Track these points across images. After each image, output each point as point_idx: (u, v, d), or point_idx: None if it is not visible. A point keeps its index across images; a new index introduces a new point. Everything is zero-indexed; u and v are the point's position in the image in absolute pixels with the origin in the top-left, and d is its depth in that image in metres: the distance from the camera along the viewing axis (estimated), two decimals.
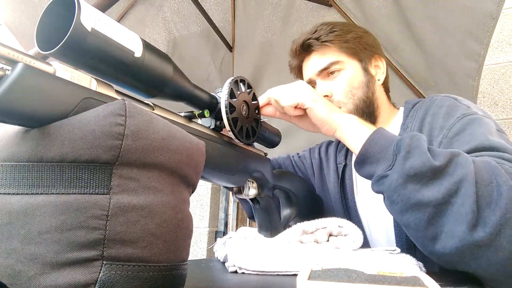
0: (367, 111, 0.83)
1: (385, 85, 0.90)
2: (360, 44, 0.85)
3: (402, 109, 0.87)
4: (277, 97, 0.74)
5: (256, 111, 0.64)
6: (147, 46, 0.41)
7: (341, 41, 0.83)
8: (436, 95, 0.79)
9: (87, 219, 0.29)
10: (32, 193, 0.30)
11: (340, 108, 0.80)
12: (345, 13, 1.50)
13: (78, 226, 0.29)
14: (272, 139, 0.74)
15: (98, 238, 0.29)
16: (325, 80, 0.85)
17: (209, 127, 0.57)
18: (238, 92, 0.58)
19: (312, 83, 0.87)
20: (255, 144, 0.70)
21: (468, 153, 0.56)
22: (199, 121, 0.56)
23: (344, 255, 0.56)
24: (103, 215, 0.30)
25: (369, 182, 0.72)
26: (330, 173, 0.93)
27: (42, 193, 0.30)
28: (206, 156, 0.42)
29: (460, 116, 0.67)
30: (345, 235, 0.64)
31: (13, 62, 0.29)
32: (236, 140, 0.59)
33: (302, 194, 0.86)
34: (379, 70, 0.88)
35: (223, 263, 0.64)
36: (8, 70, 0.29)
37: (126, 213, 0.31)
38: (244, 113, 0.60)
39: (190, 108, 0.55)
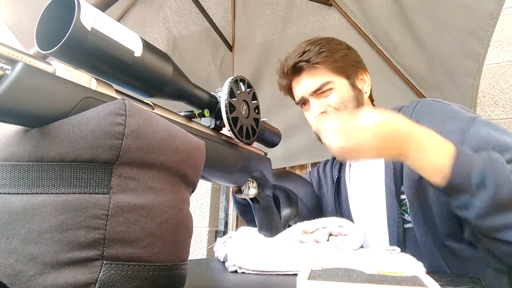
0: None
1: (371, 96, 0.96)
2: (347, 62, 0.90)
3: None
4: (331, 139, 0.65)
5: (256, 111, 0.64)
6: (147, 45, 0.41)
7: (330, 62, 0.88)
8: (422, 99, 0.84)
9: (87, 219, 0.29)
10: (32, 193, 0.30)
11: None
12: (345, 13, 1.50)
13: (78, 226, 0.29)
14: (272, 139, 0.74)
15: (98, 238, 0.29)
16: (319, 99, 0.89)
17: (209, 126, 0.57)
18: (238, 92, 0.58)
19: (304, 100, 0.92)
20: (255, 143, 0.69)
21: (509, 162, 0.59)
22: (199, 120, 0.56)
23: (344, 254, 0.56)
24: (103, 215, 0.30)
25: (361, 192, 0.80)
26: (328, 186, 1.00)
27: (42, 193, 0.29)
28: (206, 156, 0.42)
29: (468, 119, 0.70)
30: (345, 235, 0.64)
31: (13, 62, 0.29)
32: (236, 140, 0.59)
33: (302, 194, 0.86)
34: (364, 83, 0.93)
35: (223, 262, 0.64)
36: (8, 69, 0.28)
37: (126, 213, 0.31)
38: (244, 112, 0.60)
39: (190, 108, 0.55)
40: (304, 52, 0.89)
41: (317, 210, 0.96)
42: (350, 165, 0.97)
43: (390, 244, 0.76)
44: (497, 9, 1.05)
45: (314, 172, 1.09)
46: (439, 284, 0.30)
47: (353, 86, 0.90)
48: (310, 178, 1.08)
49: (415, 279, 0.31)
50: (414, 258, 0.58)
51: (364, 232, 0.86)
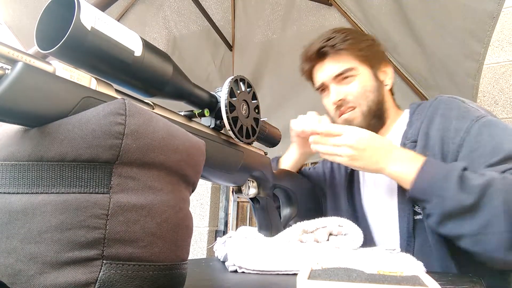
0: (377, 114, 0.89)
1: (391, 90, 0.95)
2: (372, 52, 0.90)
3: (406, 110, 0.93)
4: (316, 141, 0.79)
5: (256, 110, 0.64)
6: (147, 45, 0.41)
7: (355, 49, 0.87)
8: (440, 95, 0.85)
9: (87, 219, 0.29)
10: (32, 193, 0.30)
11: (354, 108, 0.87)
12: (345, 13, 1.50)
13: (78, 226, 0.29)
14: (272, 139, 0.74)
15: (98, 238, 0.29)
16: (340, 84, 0.88)
17: (209, 126, 0.57)
18: (238, 91, 0.58)
19: (324, 86, 0.91)
20: (255, 143, 0.69)
21: (497, 164, 0.65)
22: (199, 120, 0.56)
23: (344, 254, 0.56)
24: (103, 215, 0.30)
25: (374, 183, 0.81)
26: (341, 176, 0.99)
27: (42, 193, 0.29)
28: (206, 155, 0.42)
29: (474, 119, 0.73)
30: (345, 235, 0.64)
31: (13, 61, 0.29)
32: (236, 140, 0.59)
33: (302, 194, 0.86)
34: (386, 76, 0.92)
35: (223, 262, 0.64)
36: (8, 69, 0.28)
37: (126, 213, 0.31)
38: (244, 112, 0.60)
39: (190, 107, 0.55)
40: (329, 38, 0.88)
41: (317, 210, 0.96)
42: None
43: (401, 235, 0.78)
44: (497, 9, 1.05)
45: (327, 162, 1.07)
46: (439, 284, 0.30)
47: (376, 76, 0.90)
48: (322, 168, 1.07)
49: (415, 279, 0.31)
50: (414, 258, 0.58)
51: (375, 223, 0.88)
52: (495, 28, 1.09)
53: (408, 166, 0.71)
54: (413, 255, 0.74)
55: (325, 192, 1.04)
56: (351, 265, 0.35)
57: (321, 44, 0.89)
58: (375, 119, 0.88)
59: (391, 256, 0.58)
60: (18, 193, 0.30)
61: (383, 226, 0.86)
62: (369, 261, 0.55)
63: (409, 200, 0.74)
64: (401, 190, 0.79)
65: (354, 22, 1.49)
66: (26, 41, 1.47)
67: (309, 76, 0.97)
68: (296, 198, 0.84)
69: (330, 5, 1.52)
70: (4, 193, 0.30)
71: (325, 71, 0.90)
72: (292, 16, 1.63)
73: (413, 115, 0.86)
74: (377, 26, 1.44)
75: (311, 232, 0.63)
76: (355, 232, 0.64)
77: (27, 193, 0.30)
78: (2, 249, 0.29)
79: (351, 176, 0.96)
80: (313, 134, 0.79)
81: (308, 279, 0.31)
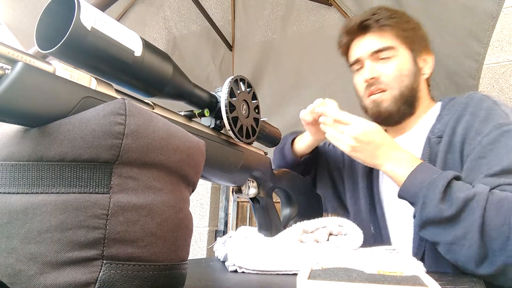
0: (409, 100, 0.85)
1: (428, 80, 0.91)
2: (415, 35, 0.86)
3: (439, 103, 0.90)
4: (328, 123, 0.78)
5: (256, 110, 0.64)
6: (147, 45, 0.41)
7: (399, 28, 0.84)
8: (474, 92, 0.83)
9: (87, 219, 0.29)
10: (32, 193, 0.30)
11: (385, 91, 0.84)
12: (345, 13, 1.50)
13: (78, 226, 0.29)
14: (272, 138, 0.74)
15: (98, 238, 0.29)
16: (376, 62, 0.85)
17: (209, 126, 0.57)
18: (238, 91, 0.58)
19: (359, 63, 0.88)
20: (255, 143, 0.69)
21: (496, 175, 0.65)
22: (199, 120, 0.56)
23: (344, 254, 0.56)
24: (103, 215, 0.30)
25: None
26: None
27: (42, 193, 0.29)
28: (206, 155, 0.42)
29: (496, 126, 0.72)
30: (345, 235, 0.64)
31: (12, 61, 0.29)
32: (236, 139, 0.59)
33: (302, 194, 0.86)
34: (426, 64, 0.89)
35: (223, 262, 0.64)
36: (8, 69, 0.28)
37: (126, 213, 0.31)
38: (244, 112, 0.60)
39: (190, 107, 0.55)
40: (374, 13, 0.86)
41: (317, 210, 0.95)
42: None
43: (415, 230, 0.77)
44: (497, 9, 1.05)
45: None
46: (439, 284, 0.30)
47: (415, 61, 0.86)
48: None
49: (415, 279, 0.31)
50: (415, 258, 0.58)
51: (391, 213, 0.87)
52: (495, 28, 1.09)
53: (403, 167, 0.72)
54: (424, 252, 0.75)
55: (343, 174, 1.01)
56: (351, 265, 0.35)
57: (365, 17, 0.86)
58: (406, 106, 0.85)
59: (391, 256, 0.58)
60: (18, 193, 0.30)
61: (398, 218, 0.85)
62: (369, 261, 0.55)
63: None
64: None
65: None
66: (26, 41, 1.47)
67: (345, 50, 0.93)
68: (296, 198, 0.84)
69: (330, 5, 1.52)
70: (4, 193, 0.30)
71: (363, 45, 0.87)
72: (292, 16, 1.63)
73: (444, 109, 0.84)
74: None
75: (311, 232, 0.63)
76: (355, 232, 0.64)
77: (27, 193, 0.30)
78: (2, 249, 0.29)
79: (371, 174, 0.94)
80: (323, 116, 0.78)
81: (308, 279, 0.31)
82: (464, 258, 0.62)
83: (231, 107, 0.56)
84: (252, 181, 0.73)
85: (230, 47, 1.83)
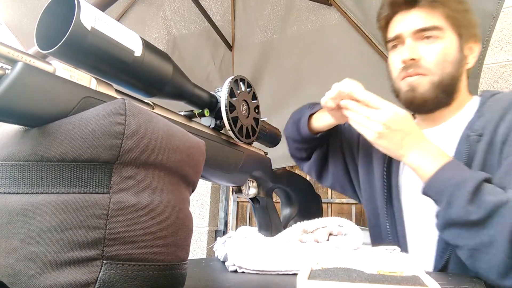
0: (448, 89, 0.78)
1: (469, 71, 0.84)
2: (466, 19, 0.79)
3: (476, 97, 0.83)
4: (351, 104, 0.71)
5: (256, 110, 0.64)
6: (147, 45, 0.41)
7: (450, 8, 0.77)
8: None
9: (87, 219, 0.29)
10: (32, 193, 0.30)
11: (426, 75, 0.76)
12: (345, 13, 1.50)
13: (78, 226, 0.29)
14: (272, 138, 0.74)
15: (98, 238, 0.29)
16: (418, 42, 0.77)
17: (209, 126, 0.57)
18: (238, 91, 0.58)
19: (399, 39, 0.80)
20: (255, 143, 0.70)
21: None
22: (199, 120, 0.56)
23: (344, 254, 0.56)
24: (103, 215, 0.30)
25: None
26: (379, 153, 0.85)
27: (42, 193, 0.29)
28: (206, 155, 0.42)
29: None
30: (345, 235, 0.64)
31: (12, 61, 0.29)
32: (236, 140, 0.59)
33: (302, 194, 0.86)
34: (472, 53, 0.81)
35: (223, 262, 0.64)
36: (8, 69, 0.28)
37: (126, 213, 0.31)
38: (244, 112, 0.60)
39: (190, 107, 0.55)
40: None
41: (317, 209, 0.95)
42: None
43: (440, 236, 0.72)
44: (496, 9, 1.05)
45: None
46: (439, 284, 0.30)
47: (461, 48, 0.78)
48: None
49: (415, 279, 0.31)
50: (415, 258, 0.58)
51: (411, 212, 0.81)
52: (494, 28, 1.09)
53: (430, 161, 0.66)
54: (449, 255, 0.69)
55: (355, 158, 0.94)
56: (351, 265, 0.35)
57: None
58: (444, 94, 0.78)
59: (391, 256, 0.58)
60: (18, 193, 0.30)
61: (418, 216, 0.79)
62: (369, 261, 0.55)
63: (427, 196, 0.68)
64: None
65: (354, 22, 1.49)
66: (26, 41, 1.47)
67: (385, 24, 0.84)
68: (296, 198, 0.84)
69: (330, 5, 1.52)
70: (4, 193, 0.30)
71: (407, 21, 0.78)
72: (292, 16, 1.63)
73: (484, 105, 0.76)
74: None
75: (311, 232, 0.63)
76: (355, 232, 0.63)
77: (27, 193, 0.30)
78: (2, 249, 0.29)
79: (390, 161, 0.86)
80: (349, 98, 0.71)
81: (308, 279, 0.31)
82: (487, 266, 0.58)
83: (231, 107, 0.56)
84: (252, 181, 0.73)
85: (230, 47, 1.83)
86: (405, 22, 0.79)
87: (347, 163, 0.97)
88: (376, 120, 0.68)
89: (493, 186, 0.61)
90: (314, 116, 0.89)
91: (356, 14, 1.48)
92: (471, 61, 0.81)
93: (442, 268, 0.72)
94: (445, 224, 0.62)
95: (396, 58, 0.81)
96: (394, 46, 0.82)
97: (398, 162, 0.85)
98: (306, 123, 0.88)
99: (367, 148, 0.91)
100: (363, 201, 0.94)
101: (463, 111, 0.81)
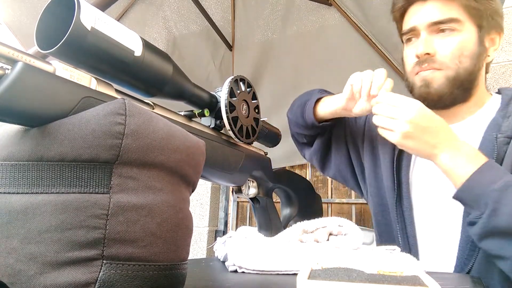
0: (465, 85, 0.74)
1: (488, 66, 0.79)
2: (487, 10, 0.73)
3: (496, 95, 0.80)
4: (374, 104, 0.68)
5: (256, 110, 0.64)
6: (147, 45, 0.41)
7: None
8: None
9: (87, 219, 0.29)
10: (32, 193, 0.30)
11: (441, 70, 0.73)
12: (345, 13, 1.50)
13: (78, 226, 0.29)
14: (272, 138, 0.74)
15: (98, 238, 0.29)
16: (433, 35, 0.74)
17: (209, 126, 0.57)
18: (238, 91, 0.58)
19: (413, 33, 0.77)
20: (255, 143, 0.70)
21: None
22: (199, 120, 0.56)
23: (344, 254, 0.56)
24: (103, 215, 0.30)
25: (428, 161, 0.68)
26: (386, 142, 0.77)
27: (42, 193, 0.29)
28: (206, 155, 0.42)
29: None
30: (345, 235, 0.64)
31: (12, 61, 0.29)
32: (236, 139, 0.59)
33: (302, 194, 0.86)
34: (493, 45, 0.77)
35: (223, 262, 0.64)
36: (8, 69, 0.28)
37: (126, 212, 0.31)
38: (244, 112, 0.60)
39: (190, 107, 0.55)
40: None
41: (317, 209, 0.95)
42: None
43: (462, 238, 0.69)
44: None
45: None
46: (439, 284, 0.30)
47: (481, 41, 0.74)
48: (365, 117, 0.90)
49: (415, 279, 0.31)
50: (415, 258, 0.58)
51: (424, 215, 0.77)
52: None
53: (465, 163, 0.61)
54: (472, 266, 0.66)
55: (360, 151, 0.90)
56: (351, 265, 0.35)
57: None
58: (460, 90, 0.73)
59: (391, 256, 0.58)
60: (18, 193, 0.30)
61: (433, 217, 0.75)
62: (369, 261, 0.55)
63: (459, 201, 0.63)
64: None
65: (354, 22, 1.49)
66: (26, 41, 1.48)
67: (400, 15, 0.80)
68: (296, 198, 0.84)
69: (330, 5, 1.52)
70: (4, 193, 0.30)
71: (422, 13, 0.74)
72: (292, 16, 1.63)
73: (510, 104, 0.72)
74: (376, 26, 1.44)
75: (311, 232, 0.63)
76: (355, 232, 0.63)
77: (27, 193, 0.30)
78: (2, 249, 0.29)
79: (399, 156, 0.82)
80: (370, 96, 0.68)
81: (308, 279, 0.31)
82: None
83: (231, 107, 0.56)
84: (252, 181, 0.73)
85: (230, 47, 1.83)
86: (420, 14, 0.75)
87: (351, 156, 0.93)
88: (401, 119, 0.63)
89: None
90: (322, 100, 0.84)
91: (356, 14, 1.48)
92: (492, 54, 0.77)
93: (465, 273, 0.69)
94: (487, 233, 0.57)
95: (410, 52, 0.78)
96: (409, 40, 0.79)
97: (409, 157, 0.81)
98: (312, 107, 0.83)
99: (373, 142, 0.88)
100: (367, 196, 0.90)
101: (484, 109, 0.77)
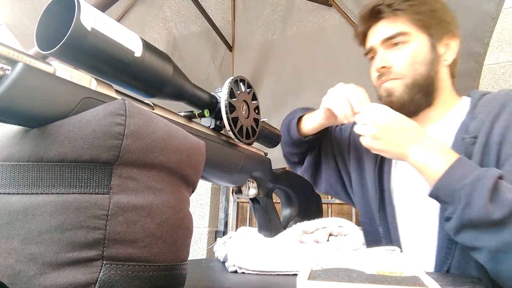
0: (425, 90, 0.79)
1: (452, 69, 0.83)
2: (434, 19, 0.79)
3: (466, 98, 0.83)
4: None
5: (256, 111, 0.64)
6: (147, 45, 0.41)
7: (413, 12, 0.78)
8: (510, 89, 0.77)
9: (87, 219, 0.29)
10: (32, 193, 0.30)
11: (398, 79, 0.79)
12: (345, 13, 1.50)
13: (78, 226, 0.29)
14: (272, 139, 0.74)
15: (98, 238, 0.29)
16: (389, 50, 0.81)
17: (209, 126, 0.57)
18: (238, 92, 0.58)
19: (373, 51, 0.84)
20: (255, 144, 0.69)
21: None
22: (199, 120, 0.56)
23: (344, 255, 0.56)
24: (103, 215, 0.30)
25: (407, 166, 0.71)
26: (369, 151, 0.82)
27: (42, 193, 0.29)
28: (206, 156, 0.42)
29: None
30: (345, 235, 0.64)
31: (13, 62, 0.29)
32: (236, 140, 0.59)
33: (302, 194, 0.86)
34: (448, 50, 0.81)
35: (223, 263, 0.64)
36: (8, 69, 0.28)
37: (126, 213, 0.31)
38: (244, 112, 0.60)
39: (190, 108, 0.55)
40: None
41: (317, 210, 0.95)
42: None
43: (440, 234, 0.72)
44: (496, 10, 1.05)
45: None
46: (439, 284, 0.30)
47: (434, 47, 0.79)
48: (350, 128, 0.95)
49: (415, 279, 0.31)
50: (415, 258, 0.58)
51: (405, 215, 0.80)
52: (495, 28, 1.09)
53: (437, 159, 0.63)
54: (451, 263, 0.68)
55: (347, 163, 0.94)
56: (351, 266, 0.35)
57: (377, 2, 0.80)
58: (421, 95, 0.78)
59: (391, 257, 0.58)
60: (18, 193, 0.30)
61: (413, 220, 0.78)
62: (369, 261, 0.55)
63: (434, 199, 0.65)
64: None
65: (354, 22, 1.49)
66: (26, 41, 1.48)
67: (362, 39, 0.88)
68: (296, 199, 0.84)
69: (330, 5, 1.52)
70: (4, 193, 0.30)
71: (376, 32, 0.82)
72: (292, 16, 1.63)
73: (476, 106, 0.75)
74: None
75: (311, 233, 0.63)
76: (355, 233, 0.64)
77: (27, 193, 0.30)
78: (2, 250, 0.29)
79: (381, 164, 0.86)
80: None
81: (308, 279, 0.31)
82: (511, 267, 0.56)
83: (231, 107, 0.56)
84: (252, 182, 0.73)
85: (230, 47, 1.83)
86: (374, 34, 0.83)
87: (340, 168, 0.98)
88: (368, 122, 0.68)
89: (506, 183, 0.59)
90: (304, 118, 0.91)
91: (356, 14, 1.48)
92: (449, 58, 0.81)
93: (444, 271, 0.71)
94: (462, 226, 0.59)
95: (372, 68, 0.85)
96: (372, 58, 0.86)
97: (390, 165, 0.86)
98: (296, 124, 0.91)
99: (358, 151, 0.92)
100: (356, 205, 0.94)
101: (453, 113, 0.81)
